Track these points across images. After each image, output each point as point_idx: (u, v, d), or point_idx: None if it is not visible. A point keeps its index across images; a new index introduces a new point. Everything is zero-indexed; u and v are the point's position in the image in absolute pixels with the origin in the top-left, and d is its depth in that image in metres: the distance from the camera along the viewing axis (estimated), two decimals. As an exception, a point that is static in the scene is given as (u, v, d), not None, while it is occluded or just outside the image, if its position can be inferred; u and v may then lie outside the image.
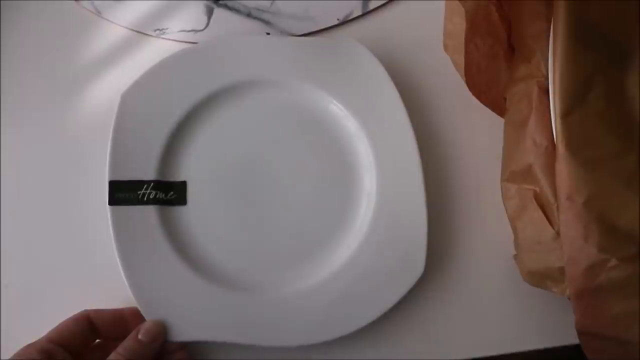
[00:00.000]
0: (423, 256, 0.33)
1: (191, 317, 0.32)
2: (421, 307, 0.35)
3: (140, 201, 0.33)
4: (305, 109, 0.36)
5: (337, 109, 0.35)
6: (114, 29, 0.38)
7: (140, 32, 0.38)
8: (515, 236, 0.32)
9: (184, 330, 0.32)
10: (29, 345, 0.29)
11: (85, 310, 0.31)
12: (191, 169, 0.34)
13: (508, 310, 0.35)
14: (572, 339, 0.31)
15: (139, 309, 0.32)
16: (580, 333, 0.29)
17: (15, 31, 0.39)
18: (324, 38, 0.37)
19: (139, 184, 0.33)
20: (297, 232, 0.34)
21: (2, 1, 0.39)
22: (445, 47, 0.35)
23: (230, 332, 0.32)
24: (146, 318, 0.31)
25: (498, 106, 0.35)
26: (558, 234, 0.29)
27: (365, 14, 0.38)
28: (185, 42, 0.38)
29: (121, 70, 0.38)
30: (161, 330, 0.31)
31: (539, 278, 0.31)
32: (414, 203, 0.34)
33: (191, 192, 0.34)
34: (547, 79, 0.30)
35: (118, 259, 0.32)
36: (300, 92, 0.35)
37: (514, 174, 0.32)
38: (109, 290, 0.33)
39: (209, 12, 0.38)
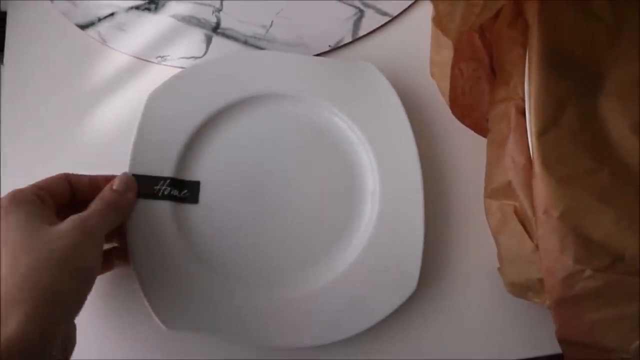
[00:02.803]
0: (417, 269, 0.34)
1: (195, 309, 0.33)
2: (413, 314, 0.36)
3: (155, 196, 0.34)
4: (313, 120, 0.37)
5: (341, 122, 0.37)
6: (118, 56, 0.41)
7: (143, 59, 0.40)
8: (498, 249, 0.34)
9: (186, 321, 0.33)
10: (20, 190, 0.29)
11: (64, 173, 0.33)
12: (205, 171, 0.36)
13: (494, 321, 0.36)
14: (556, 348, 0.32)
15: (145, 298, 0.33)
16: (561, 341, 0.30)
17: (23, 58, 0.41)
18: (332, 58, 0.39)
19: (156, 179, 0.35)
20: (305, 236, 0.36)
21: (10, 29, 0.41)
22: (432, 74, 0.37)
23: (231, 329, 0.33)
24: (151, 309, 0.33)
25: (481, 128, 0.37)
26: (537, 246, 0.30)
27: (355, 40, 0.41)
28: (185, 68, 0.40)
29: (125, 95, 0.40)
30: (133, 182, 0.34)
31: (521, 289, 0.32)
32: (413, 210, 0.35)
33: (203, 192, 0.36)
34: (524, 101, 0.32)
35: (130, 248, 0.34)
36: (310, 105, 0.37)
37: (495, 191, 0.33)
38: (119, 278, 0.36)
39: (208, 40, 0.40)
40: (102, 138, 0.39)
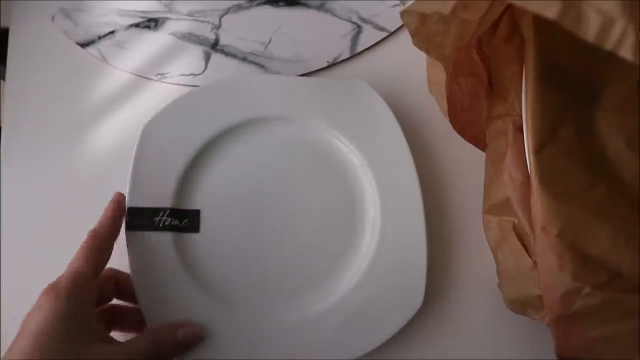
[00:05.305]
0: (423, 285, 0.35)
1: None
2: (415, 332, 0.36)
3: (156, 227, 0.34)
4: (312, 144, 0.37)
5: (341, 144, 0.37)
6: (118, 74, 0.41)
7: (143, 76, 0.41)
8: (497, 266, 0.34)
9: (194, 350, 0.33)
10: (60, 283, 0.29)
11: (110, 268, 0.33)
12: (205, 199, 0.36)
13: (496, 337, 0.36)
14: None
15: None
16: (561, 358, 0.30)
17: (25, 75, 0.41)
18: (330, 79, 0.39)
19: (156, 210, 0.35)
20: (307, 259, 0.36)
21: (11, 46, 0.42)
22: (430, 91, 0.37)
23: (236, 354, 0.33)
24: None
25: (480, 142, 0.37)
26: (535, 263, 0.30)
27: (353, 56, 0.41)
28: (185, 85, 0.40)
29: (126, 112, 0.40)
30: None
31: (520, 306, 0.32)
32: (415, 232, 0.35)
33: (204, 221, 0.36)
34: (521, 117, 0.32)
35: (133, 281, 0.33)
36: (307, 128, 0.37)
37: (493, 207, 0.33)
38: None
39: (207, 57, 0.41)
40: (102, 155, 0.40)
